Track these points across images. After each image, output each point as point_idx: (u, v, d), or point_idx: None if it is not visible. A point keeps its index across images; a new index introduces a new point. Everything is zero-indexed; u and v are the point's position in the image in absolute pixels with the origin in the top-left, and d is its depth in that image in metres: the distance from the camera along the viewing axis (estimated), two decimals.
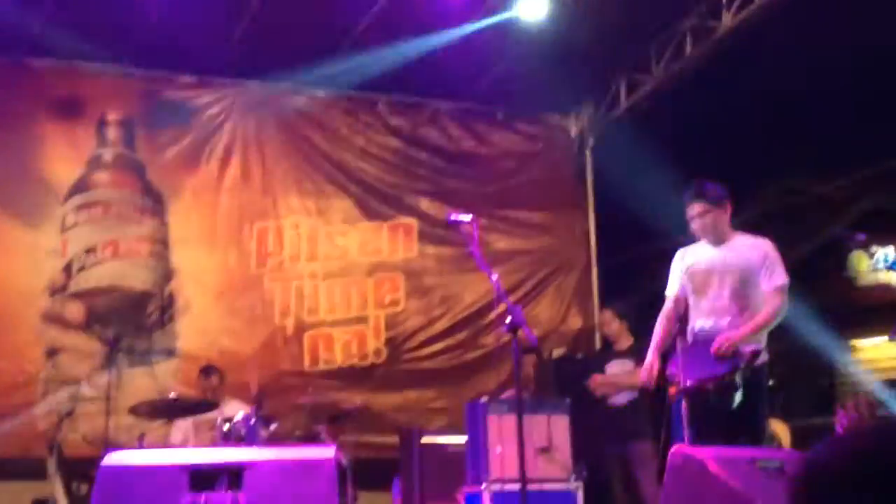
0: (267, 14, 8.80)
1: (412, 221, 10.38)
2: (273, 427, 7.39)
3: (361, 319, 10.05)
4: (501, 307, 9.81)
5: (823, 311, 9.71)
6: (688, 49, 9.48)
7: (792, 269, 5.99)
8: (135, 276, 9.38)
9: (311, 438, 7.87)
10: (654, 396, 7.04)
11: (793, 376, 9.10)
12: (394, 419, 9.67)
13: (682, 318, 6.13)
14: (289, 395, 8.79)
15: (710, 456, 4.78)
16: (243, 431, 7.00)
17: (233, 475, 4.78)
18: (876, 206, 10.63)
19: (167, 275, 9.48)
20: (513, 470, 5.77)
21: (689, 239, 6.17)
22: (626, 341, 8.28)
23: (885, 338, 10.67)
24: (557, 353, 10.00)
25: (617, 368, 8.18)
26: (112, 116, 9.59)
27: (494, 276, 5.88)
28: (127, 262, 9.37)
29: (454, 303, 10.35)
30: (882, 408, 10.19)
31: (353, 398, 9.40)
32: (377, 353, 10.03)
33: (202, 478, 4.75)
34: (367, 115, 10.47)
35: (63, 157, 9.38)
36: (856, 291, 11.57)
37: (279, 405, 8.33)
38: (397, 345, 10.11)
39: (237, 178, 9.87)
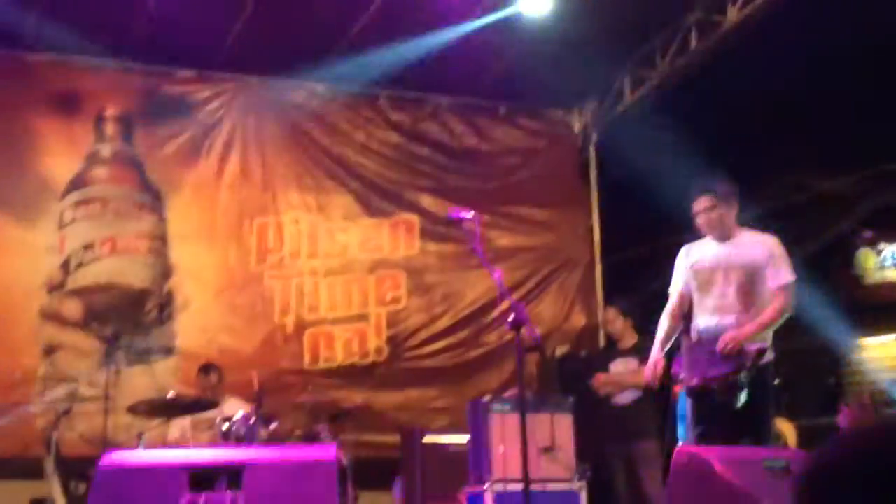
0: (266, 8, 8.79)
1: (413, 218, 10.38)
2: (273, 426, 7.40)
3: (362, 317, 10.06)
4: (504, 305, 9.91)
5: (830, 308, 9.70)
6: (693, 44, 9.47)
7: (798, 266, 5.99)
8: (133, 273, 9.39)
9: (311, 438, 7.88)
10: (658, 395, 7.06)
11: (799, 375, 9.08)
12: (395, 418, 9.68)
13: (686, 315, 6.13)
14: (289, 393, 8.80)
15: (715, 455, 4.78)
16: (243, 431, 7.00)
17: (232, 475, 4.78)
18: (883, 203, 10.61)
19: (166, 272, 9.49)
20: (515, 470, 5.77)
21: (695, 235, 6.16)
22: (630, 339, 8.28)
23: (893, 336, 10.67)
24: (561, 351, 10.00)
25: (621, 367, 8.17)
26: (110, 112, 9.60)
27: (497, 274, 5.88)
28: (125, 259, 9.38)
29: (456, 300, 10.36)
30: (889, 406, 10.19)
31: (354, 397, 9.42)
32: (378, 351, 10.04)
33: (201, 477, 4.76)
34: (367, 110, 10.47)
35: (60, 152, 9.39)
36: (863, 289, 11.56)
37: (279, 404, 8.33)
38: (398, 343, 10.12)
39: (237, 174, 9.87)
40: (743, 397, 5.64)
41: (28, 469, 7.94)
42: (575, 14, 8.91)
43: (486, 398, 7.38)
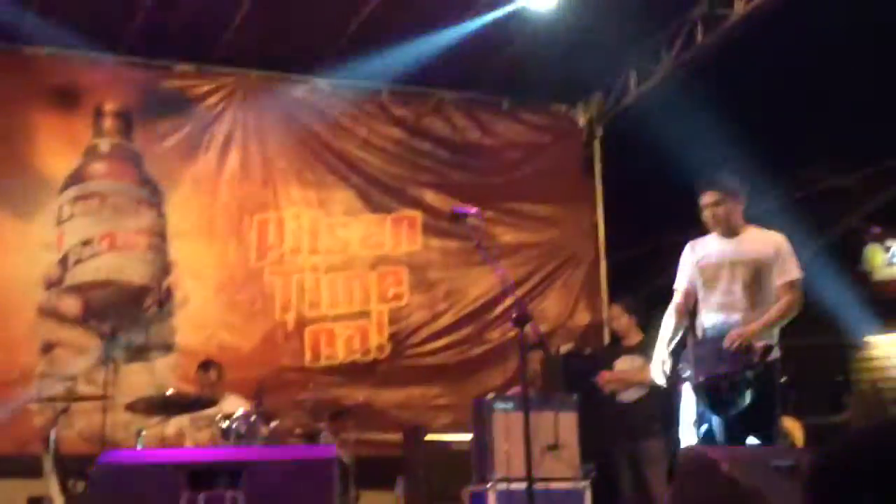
0: (266, 2, 8.79)
1: (416, 214, 10.37)
2: (273, 424, 7.39)
3: (364, 314, 10.05)
4: (507, 302, 9.90)
5: (838, 306, 9.69)
6: (699, 37, 9.45)
7: (806, 263, 5.97)
8: (132, 269, 9.38)
9: (312, 436, 7.88)
10: (663, 393, 7.04)
11: (806, 373, 9.07)
12: (397, 416, 9.68)
13: (691, 312, 6.12)
14: (289, 391, 8.79)
15: (721, 454, 4.76)
16: (243, 429, 7.00)
17: (232, 473, 4.78)
18: (892, 199, 10.60)
19: (165, 268, 9.48)
20: (519, 468, 5.77)
21: (701, 231, 6.14)
22: (635, 337, 8.27)
23: None
24: (565, 348, 9.98)
25: (626, 364, 8.16)
26: (109, 106, 9.58)
27: (501, 270, 5.87)
28: (124, 255, 9.37)
29: (459, 297, 10.35)
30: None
31: (356, 395, 9.42)
32: (380, 348, 10.03)
33: (201, 476, 4.75)
34: (369, 104, 10.46)
35: (59, 147, 9.38)
36: (871, 286, 11.54)
37: (279, 402, 8.32)
38: (401, 340, 10.11)
39: (237, 169, 9.86)
40: (749, 395, 5.63)
41: (26, 467, 7.92)
42: (579, 8, 8.89)
43: (490, 396, 7.39)
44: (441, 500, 7.54)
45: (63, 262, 9.17)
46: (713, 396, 5.73)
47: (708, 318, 5.94)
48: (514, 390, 7.89)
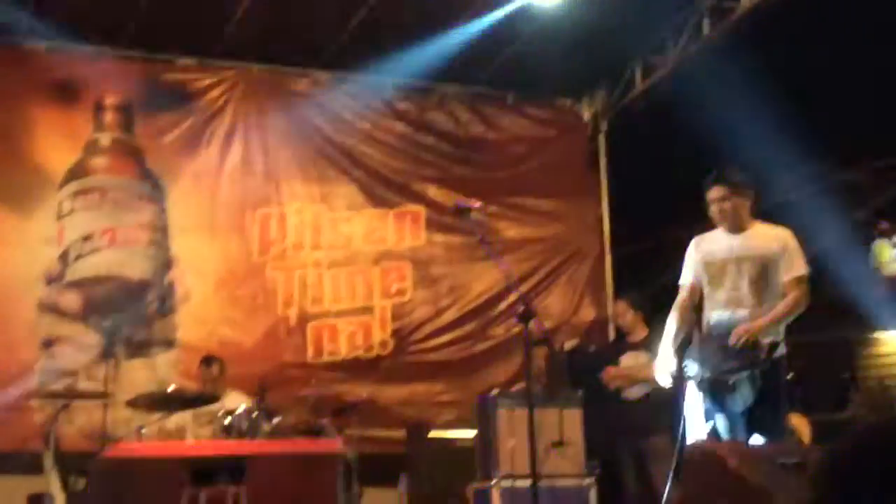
0: None
1: (419, 209, 10.37)
2: (276, 421, 7.40)
3: (367, 310, 10.06)
4: (511, 297, 9.91)
5: (845, 302, 9.69)
6: (706, 30, 9.45)
7: (813, 258, 5.98)
8: (133, 264, 9.39)
9: (314, 432, 7.89)
10: (669, 390, 7.04)
11: (813, 369, 9.07)
12: (400, 413, 9.69)
13: (697, 308, 6.13)
14: (292, 387, 8.80)
15: (727, 451, 4.78)
16: (245, 425, 7.01)
17: (234, 469, 4.79)
18: None
19: (166, 263, 9.49)
20: (524, 465, 5.79)
21: (708, 226, 6.14)
22: (640, 332, 8.28)
23: None
24: (570, 344, 9.98)
25: (631, 360, 8.17)
26: (109, 100, 9.58)
27: (504, 266, 5.88)
28: (125, 251, 9.38)
29: (463, 293, 10.35)
30: None
31: (359, 391, 9.42)
32: (383, 344, 10.04)
33: (203, 471, 4.77)
34: (372, 98, 10.45)
35: (58, 142, 9.38)
36: (878, 282, 11.53)
37: (282, 398, 8.32)
38: (404, 336, 10.12)
39: (238, 164, 9.87)
40: (755, 392, 5.65)
41: (26, 464, 7.94)
42: (584, 1, 8.89)
43: (494, 392, 7.40)
44: (445, 497, 7.56)
45: (63, 257, 9.18)
46: (719, 393, 5.75)
47: (714, 315, 5.95)
48: (519, 387, 7.91)
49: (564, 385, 8.56)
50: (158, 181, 9.62)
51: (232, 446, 6.50)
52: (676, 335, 6.05)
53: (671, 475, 5.45)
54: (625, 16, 9.15)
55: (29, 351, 8.93)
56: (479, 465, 7.22)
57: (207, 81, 9.88)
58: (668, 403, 7.54)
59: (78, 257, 9.21)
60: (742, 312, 5.81)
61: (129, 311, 9.25)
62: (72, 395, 8.05)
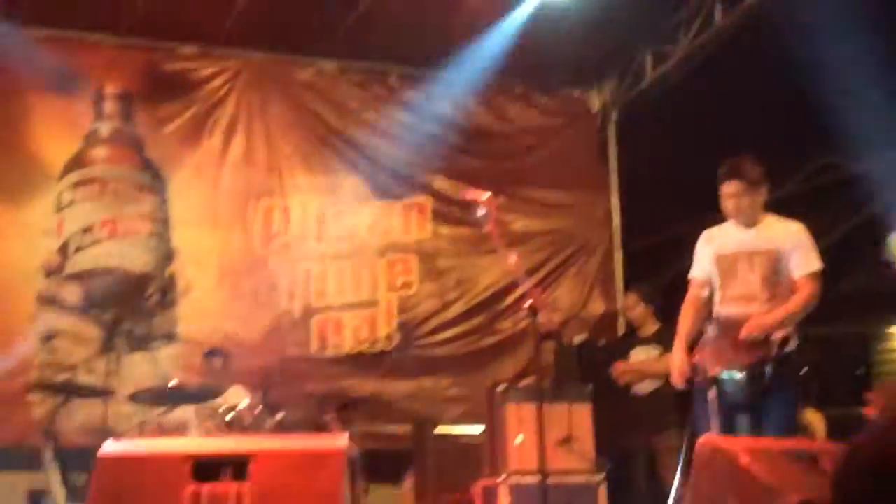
0: None
1: (426, 200, 10.36)
2: (280, 416, 7.40)
3: (372, 303, 10.05)
4: (519, 290, 9.89)
5: (859, 295, 9.68)
6: (717, 18, 9.41)
7: (826, 251, 5.97)
8: (134, 256, 9.39)
9: (319, 428, 7.89)
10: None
11: (828, 364, 9.07)
12: (406, 408, 9.68)
13: (708, 303, 6.12)
14: (295, 382, 8.81)
15: (739, 447, 4.76)
16: (248, 420, 7.02)
17: (237, 465, 4.78)
18: None
19: (168, 255, 9.49)
20: (532, 461, 5.77)
21: (719, 218, 6.12)
22: (651, 326, 8.28)
23: None
24: (579, 339, 9.98)
25: (642, 355, 8.17)
26: (109, 89, 9.57)
27: (513, 258, 5.86)
28: (126, 243, 9.38)
29: (470, 286, 10.33)
30: None
31: (364, 386, 9.43)
32: (388, 338, 10.02)
33: (205, 468, 4.75)
34: (378, 88, 10.44)
35: (58, 132, 9.38)
36: (892, 275, 11.51)
37: (286, 393, 8.33)
38: (410, 330, 10.10)
39: (241, 154, 9.85)
40: (767, 387, 5.64)
41: (25, 460, 7.97)
42: None
43: (502, 387, 7.39)
44: (451, 493, 7.55)
45: (63, 249, 9.18)
46: (731, 388, 5.74)
47: (726, 309, 5.94)
48: (527, 381, 7.89)
49: (573, 380, 8.56)
50: (159, 172, 9.61)
51: (235, 442, 6.50)
52: (688, 334, 6.04)
53: (681, 471, 5.44)
54: (635, 3, 9.12)
55: (28, 344, 8.92)
56: (486, 461, 7.21)
57: (209, 70, 9.86)
58: (678, 399, 7.56)
59: (78, 249, 9.21)
60: (753, 307, 5.80)
61: (130, 305, 9.25)
62: (72, 389, 8.05)
